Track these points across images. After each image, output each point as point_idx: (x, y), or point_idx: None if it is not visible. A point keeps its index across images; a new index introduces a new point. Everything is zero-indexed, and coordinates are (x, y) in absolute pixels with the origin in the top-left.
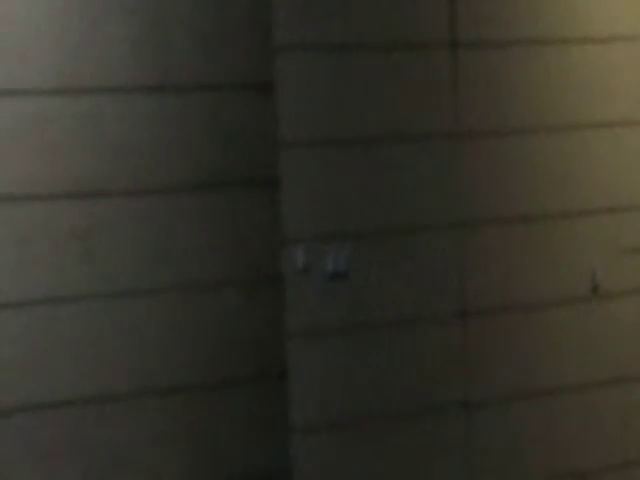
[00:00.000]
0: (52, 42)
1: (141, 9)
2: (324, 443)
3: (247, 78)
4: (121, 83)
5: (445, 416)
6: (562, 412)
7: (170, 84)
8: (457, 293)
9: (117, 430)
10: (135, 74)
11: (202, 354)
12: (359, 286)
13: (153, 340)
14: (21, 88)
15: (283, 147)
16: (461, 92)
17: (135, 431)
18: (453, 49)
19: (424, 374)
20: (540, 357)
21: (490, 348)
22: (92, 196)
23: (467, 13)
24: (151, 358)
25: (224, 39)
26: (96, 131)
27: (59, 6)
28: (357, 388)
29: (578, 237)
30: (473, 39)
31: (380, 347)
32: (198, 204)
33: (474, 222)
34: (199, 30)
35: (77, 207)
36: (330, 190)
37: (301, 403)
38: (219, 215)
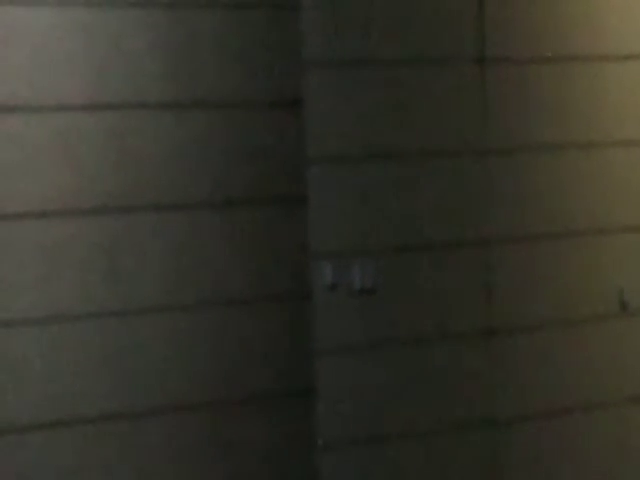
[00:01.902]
0: (79, 58)
1: (169, 26)
2: (351, 459)
3: (275, 95)
4: (148, 99)
5: (472, 433)
6: (591, 429)
7: (197, 101)
8: (484, 310)
9: (140, 447)
10: (162, 90)
11: (229, 370)
12: (386, 302)
13: (179, 356)
14: (48, 104)
15: (311, 163)
16: (489, 108)
17: (159, 448)
18: (481, 65)
19: (451, 391)
20: (568, 374)
21: (517, 365)
22: (117, 212)
23: (495, 29)
24: (178, 374)
25: (252, 56)
26: (122, 147)
27: (86, 22)
28: (384, 404)
29: (606, 254)
30: (501, 55)
31: (407, 363)
32: (225, 220)
33: (502, 239)
34: (227, 47)
35: (102, 223)
36: (357, 206)
37: (328, 419)
38: (246, 232)
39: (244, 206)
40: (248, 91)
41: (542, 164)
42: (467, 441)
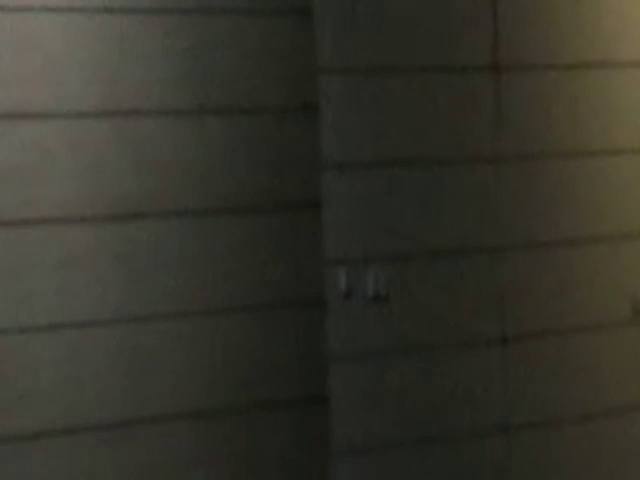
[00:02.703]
0: (93, 65)
1: (183, 32)
2: (365, 466)
3: (289, 101)
4: (163, 106)
5: (486, 440)
6: (604, 437)
7: (211, 107)
8: (498, 317)
9: (156, 454)
10: (177, 97)
11: (243, 377)
12: (400, 309)
13: (195, 363)
14: (62, 111)
15: (325, 169)
16: (503, 116)
17: (175, 454)
18: (495, 72)
19: (465, 398)
20: (581, 381)
21: (530, 372)
22: (134, 218)
23: (509, 37)
24: (194, 381)
25: (266, 62)
26: (137, 154)
27: (100, 28)
28: (398, 411)
29: (620, 261)
30: (515, 63)
31: (421, 370)
32: (240, 226)
33: (515, 246)
34: (241, 53)
35: (119, 229)
36: (371, 213)
37: (343, 427)
38: (260, 238)
39: (258, 212)
40: (262, 98)
41: (556, 171)
42: (480, 448)
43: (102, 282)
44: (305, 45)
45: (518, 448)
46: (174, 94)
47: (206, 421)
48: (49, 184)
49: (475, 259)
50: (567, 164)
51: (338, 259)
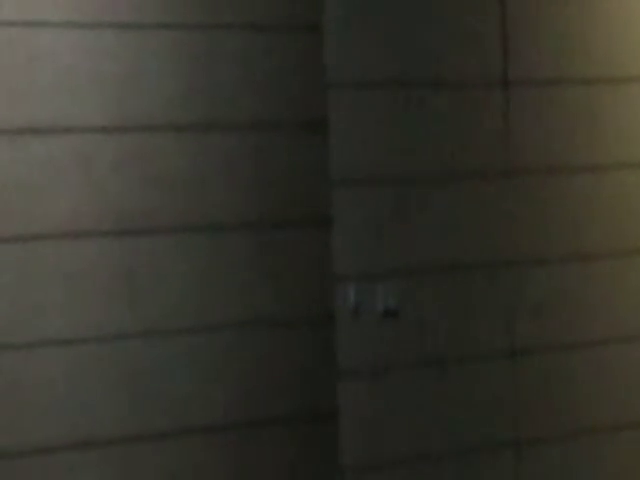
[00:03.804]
0: (101, 80)
1: (191, 47)
2: None
3: (299, 116)
4: (171, 121)
5: (495, 455)
6: (616, 451)
7: (220, 122)
8: (507, 331)
9: (162, 469)
10: (185, 112)
11: (252, 392)
12: (409, 324)
13: (202, 378)
14: (70, 126)
15: (335, 185)
16: (512, 130)
17: (181, 470)
18: (504, 88)
19: (474, 413)
20: (592, 396)
21: (540, 387)
22: (139, 233)
23: (518, 52)
24: (201, 396)
25: (276, 77)
26: (145, 169)
27: (108, 44)
28: (407, 427)
29: (631, 275)
30: (524, 78)
31: (430, 386)
32: (249, 242)
33: (525, 260)
34: (250, 68)
35: (124, 244)
36: (381, 229)
37: (351, 442)
38: (270, 254)
39: (267, 228)
40: (271, 113)
41: (566, 186)
42: (491, 463)
43: (108, 297)
44: (314, 60)
45: (528, 462)
46: (182, 110)
47: (213, 437)
48: (56, 199)
49: (484, 274)
50: (577, 178)
51: (347, 275)
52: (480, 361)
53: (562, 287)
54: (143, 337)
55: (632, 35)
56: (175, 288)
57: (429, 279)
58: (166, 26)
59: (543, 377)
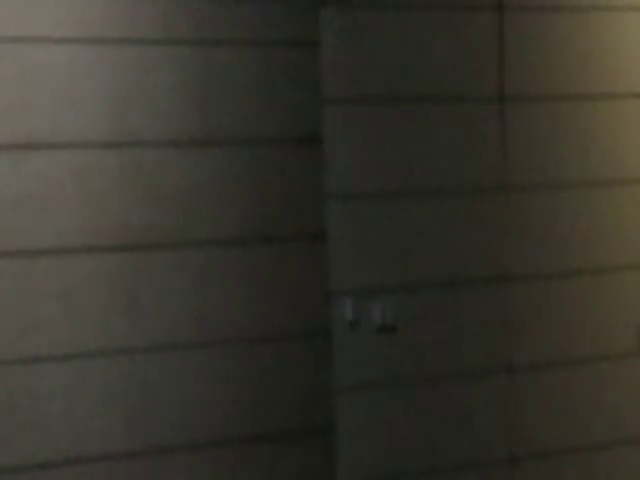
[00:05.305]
0: (100, 95)
1: (190, 63)
2: None
3: (294, 131)
4: (169, 136)
5: (492, 471)
6: (611, 468)
7: (218, 137)
8: (503, 347)
9: None
10: (183, 127)
11: (248, 407)
12: (406, 339)
13: (199, 393)
14: (69, 141)
15: (330, 200)
16: (508, 145)
17: None
18: (501, 103)
19: (470, 428)
20: (587, 412)
21: (536, 402)
22: (138, 248)
23: (515, 68)
24: (199, 411)
25: (272, 93)
26: (144, 184)
27: (107, 59)
28: (404, 441)
29: (624, 291)
30: (521, 94)
31: (427, 400)
32: (244, 257)
33: (521, 275)
34: (248, 84)
35: (123, 259)
36: (377, 243)
37: (348, 457)
38: (265, 268)
39: (263, 243)
40: (267, 128)
41: (562, 202)
42: (487, 478)
43: (107, 312)
44: (310, 76)
45: (523, 479)
46: (179, 125)
47: (211, 451)
48: (55, 215)
49: (481, 289)
50: (573, 194)
51: (344, 290)
52: (476, 376)
53: (559, 303)
54: (142, 352)
55: (626, 51)
56: (174, 303)
57: (425, 294)
58: (164, 42)
59: (539, 393)
